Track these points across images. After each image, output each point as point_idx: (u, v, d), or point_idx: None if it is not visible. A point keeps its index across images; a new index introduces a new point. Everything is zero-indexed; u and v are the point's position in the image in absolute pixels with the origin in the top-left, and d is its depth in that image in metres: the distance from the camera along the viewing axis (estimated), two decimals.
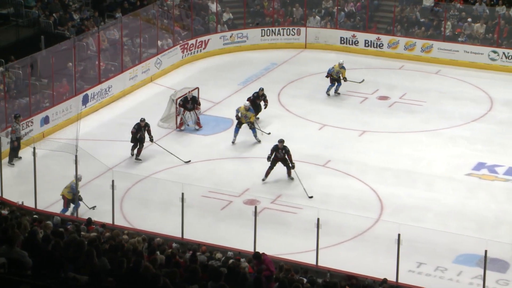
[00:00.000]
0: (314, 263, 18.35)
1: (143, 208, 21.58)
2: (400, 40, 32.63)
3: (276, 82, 30.20)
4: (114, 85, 28.63)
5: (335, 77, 28.58)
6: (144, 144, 24.29)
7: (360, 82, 29.01)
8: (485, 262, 16.98)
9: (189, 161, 24.16)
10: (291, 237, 20.40)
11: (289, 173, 23.04)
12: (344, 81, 28.57)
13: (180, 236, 19.29)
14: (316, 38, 33.69)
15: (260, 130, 25.70)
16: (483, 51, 31.50)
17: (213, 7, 33.73)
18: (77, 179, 20.65)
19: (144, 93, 29.42)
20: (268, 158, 22.96)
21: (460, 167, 23.78)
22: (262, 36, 33.71)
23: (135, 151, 24.37)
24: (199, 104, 26.60)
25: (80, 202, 20.92)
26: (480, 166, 23.90)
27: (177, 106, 26.28)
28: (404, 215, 21.23)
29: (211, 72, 31.40)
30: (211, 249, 17.57)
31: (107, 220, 19.47)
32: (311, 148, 25.05)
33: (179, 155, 24.29)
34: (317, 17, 34.06)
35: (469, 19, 32.47)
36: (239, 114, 25.27)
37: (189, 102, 26.22)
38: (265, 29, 33.73)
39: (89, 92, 27.64)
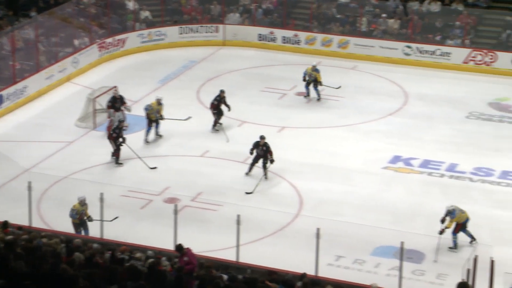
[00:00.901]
0: (235, 259, 18.43)
1: (61, 209, 21.27)
2: (317, 37, 33.00)
3: (195, 80, 30.20)
4: (29, 85, 28.17)
5: (309, 80, 28.08)
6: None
7: (337, 88, 28.61)
8: (402, 253, 17.32)
9: (155, 167, 23.70)
10: (212, 234, 20.44)
11: (265, 173, 22.89)
12: (320, 85, 28.02)
13: (99, 236, 19.12)
14: (234, 35, 33.80)
15: (226, 135, 25.64)
16: (397, 46, 32.12)
17: (130, 5, 33.52)
18: (80, 201, 19.63)
19: (61, 93, 29.05)
20: (251, 152, 23.00)
21: (376, 160, 24.21)
22: (180, 33, 33.65)
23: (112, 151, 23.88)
24: (125, 103, 26.33)
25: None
26: (396, 159, 24.37)
27: (106, 106, 25.89)
28: (323, 210, 21.50)
29: (129, 71, 31.20)
30: (131, 249, 17.46)
31: (24, 222, 19.15)
32: (231, 145, 25.15)
33: (97, 155, 24.09)
34: (236, 14, 34.17)
35: (384, 15, 33.05)
36: (152, 110, 25.11)
37: (117, 102, 25.95)
38: (183, 26, 33.67)
39: (3, 93, 27.13)
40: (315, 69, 28.05)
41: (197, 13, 34.47)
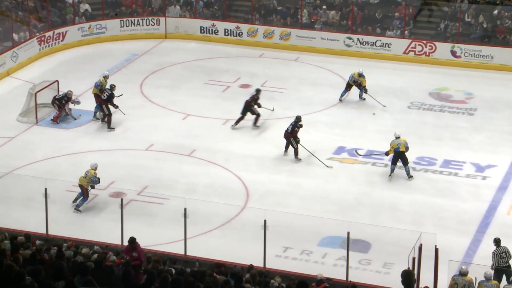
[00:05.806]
0: (183, 252, 18.43)
1: (3, 205, 21.00)
2: (259, 29, 33.05)
3: (137, 73, 30.00)
4: None
5: (351, 83, 27.35)
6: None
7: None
8: (348, 243, 17.52)
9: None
10: (159, 228, 20.37)
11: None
12: (365, 92, 27.37)
13: (44, 232, 18.92)
14: (176, 28, 33.66)
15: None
16: (338, 38, 32.33)
17: None
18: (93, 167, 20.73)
19: (1, 88, 28.58)
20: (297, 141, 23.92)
21: (321, 151, 24.35)
22: (121, 26, 33.35)
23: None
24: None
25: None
26: (340, 150, 24.56)
27: (64, 102, 25.82)
28: (269, 201, 21.58)
29: (70, 65, 30.83)
30: (78, 244, 17.32)
31: None
32: (176, 138, 25.08)
33: (40, 150, 23.81)
34: (177, 7, 34.02)
35: (324, 7, 33.25)
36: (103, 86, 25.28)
37: (65, 100, 25.94)
38: (124, 19, 33.38)
39: None
40: (361, 75, 27.31)
41: (138, 6, 34.20)
